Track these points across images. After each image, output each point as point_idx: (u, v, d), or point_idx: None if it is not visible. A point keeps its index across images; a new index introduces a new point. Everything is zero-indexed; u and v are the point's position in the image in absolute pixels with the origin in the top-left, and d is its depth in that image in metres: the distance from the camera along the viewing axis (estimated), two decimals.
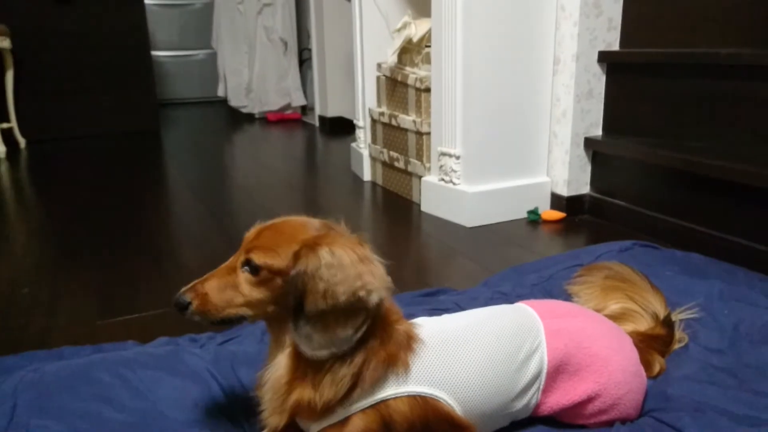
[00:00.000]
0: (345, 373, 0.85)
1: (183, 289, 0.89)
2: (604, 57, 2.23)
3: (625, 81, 2.22)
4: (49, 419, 1.01)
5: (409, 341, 0.91)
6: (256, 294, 0.87)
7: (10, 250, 2.17)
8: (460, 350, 0.95)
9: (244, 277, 0.88)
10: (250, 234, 0.91)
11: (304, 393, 0.86)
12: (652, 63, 2.09)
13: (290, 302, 0.85)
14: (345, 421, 0.88)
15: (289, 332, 0.86)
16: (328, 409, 0.87)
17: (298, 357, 0.87)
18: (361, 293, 0.83)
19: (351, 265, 0.84)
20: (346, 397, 0.86)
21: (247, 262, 0.87)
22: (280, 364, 0.89)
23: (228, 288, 0.88)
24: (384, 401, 0.88)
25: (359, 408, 0.88)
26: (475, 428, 0.94)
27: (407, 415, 0.88)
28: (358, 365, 0.86)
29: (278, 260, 0.85)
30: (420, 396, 0.89)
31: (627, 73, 2.20)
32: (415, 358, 0.91)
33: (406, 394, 0.89)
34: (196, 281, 0.90)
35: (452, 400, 0.91)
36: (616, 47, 2.25)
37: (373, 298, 0.85)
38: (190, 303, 0.88)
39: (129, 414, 1.04)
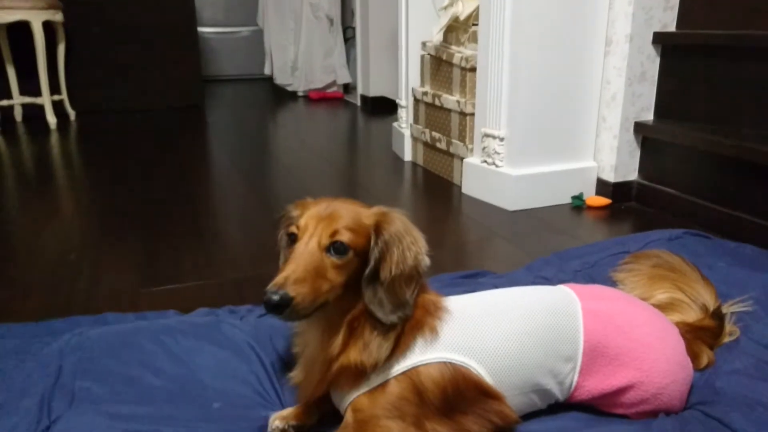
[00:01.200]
0: (389, 335, 0.89)
1: (273, 284, 0.81)
2: (660, 38, 2.14)
3: (680, 64, 2.13)
4: (92, 381, 1.04)
5: (436, 309, 0.94)
6: (339, 278, 0.86)
7: (59, 218, 2.23)
8: (490, 321, 0.96)
9: (330, 261, 0.86)
10: (309, 220, 0.87)
11: (350, 356, 0.89)
12: (711, 45, 2.00)
13: (366, 275, 0.88)
14: (379, 387, 0.90)
15: (365, 300, 0.88)
16: (369, 372, 0.89)
17: (349, 331, 0.90)
18: (420, 257, 0.90)
19: (407, 232, 0.90)
20: (385, 361, 0.89)
21: (335, 245, 0.85)
22: (335, 344, 0.89)
23: (318, 276, 0.84)
24: (415, 368, 0.89)
25: (393, 374, 0.90)
26: (505, 398, 0.94)
27: (438, 381, 0.90)
28: (398, 329, 0.90)
29: (361, 239, 0.88)
30: (450, 363, 0.91)
31: (683, 56, 2.12)
32: (443, 325, 0.93)
33: (435, 360, 0.90)
34: (282, 274, 0.82)
35: (482, 369, 0.92)
36: (672, 28, 2.16)
37: (426, 261, 0.91)
38: (293, 298, 0.80)
39: (168, 380, 1.06)
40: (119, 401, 1.00)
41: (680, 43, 2.12)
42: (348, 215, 0.88)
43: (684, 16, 2.13)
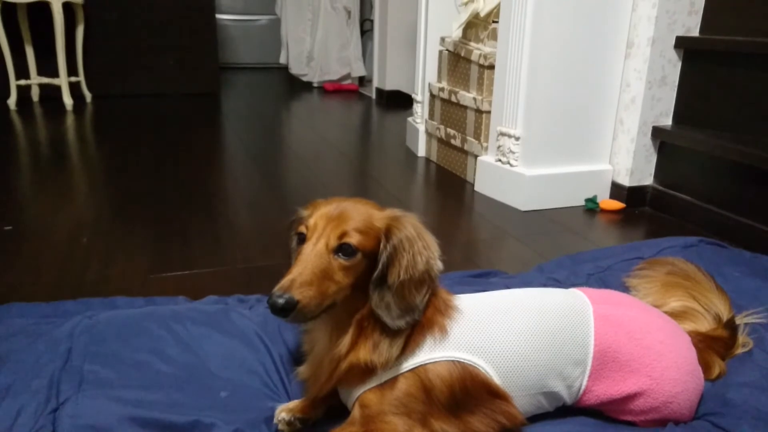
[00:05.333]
0: (399, 335, 0.89)
1: (279, 287, 0.80)
2: (682, 43, 2.12)
3: (702, 69, 2.10)
4: (100, 365, 1.04)
5: (446, 307, 0.94)
6: (347, 279, 0.86)
7: (72, 200, 2.24)
8: (501, 321, 0.95)
9: (338, 263, 0.85)
10: (319, 220, 0.87)
11: (360, 355, 0.88)
12: (734, 52, 1.97)
13: (374, 279, 0.87)
14: (387, 383, 0.90)
15: (372, 304, 0.87)
16: (379, 371, 0.89)
17: (358, 330, 0.89)
18: (432, 262, 0.89)
19: (420, 237, 0.89)
20: (395, 359, 0.89)
21: (344, 247, 0.85)
22: (344, 343, 0.89)
23: (325, 278, 0.83)
24: (423, 365, 0.90)
25: (401, 371, 0.90)
26: (512, 399, 0.94)
27: (446, 379, 0.90)
28: (408, 328, 0.89)
29: (371, 241, 0.87)
30: (458, 361, 0.91)
31: (705, 62, 2.09)
32: (452, 324, 0.93)
33: (444, 359, 0.90)
34: (288, 277, 0.82)
35: (490, 368, 0.92)
36: (696, 33, 2.13)
37: (438, 266, 0.91)
38: (298, 302, 0.80)
39: (176, 367, 1.06)
40: (127, 386, 1.00)
41: (703, 48, 2.09)
42: (358, 217, 0.87)
43: (708, 21, 2.10)
